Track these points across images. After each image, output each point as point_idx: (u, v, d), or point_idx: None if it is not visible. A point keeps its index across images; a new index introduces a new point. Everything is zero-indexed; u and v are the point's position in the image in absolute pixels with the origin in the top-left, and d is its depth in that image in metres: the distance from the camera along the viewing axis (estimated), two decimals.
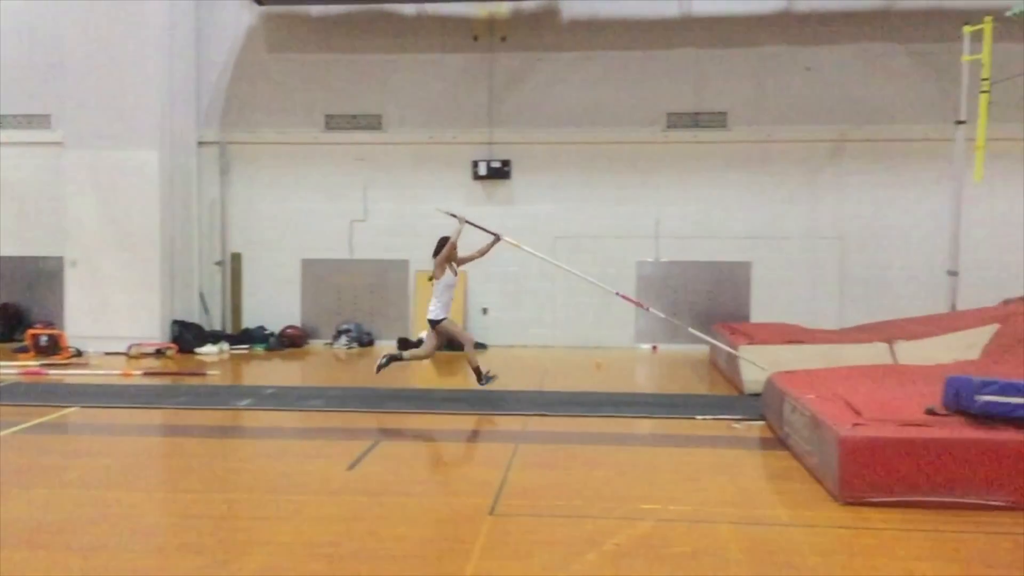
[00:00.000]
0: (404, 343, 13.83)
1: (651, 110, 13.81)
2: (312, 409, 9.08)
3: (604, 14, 13.71)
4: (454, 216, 9.82)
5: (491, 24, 13.91)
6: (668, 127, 13.83)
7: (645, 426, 8.62)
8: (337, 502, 5.90)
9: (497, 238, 9.89)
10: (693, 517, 5.63)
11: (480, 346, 13.80)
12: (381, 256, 14.23)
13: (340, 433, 8.13)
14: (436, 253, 9.63)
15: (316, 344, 14.14)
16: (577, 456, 7.28)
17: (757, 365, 9.57)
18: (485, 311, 14.12)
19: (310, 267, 14.37)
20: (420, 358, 10.03)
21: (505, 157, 13.91)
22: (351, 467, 6.74)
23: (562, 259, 13.85)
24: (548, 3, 13.70)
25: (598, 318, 13.92)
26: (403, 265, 14.24)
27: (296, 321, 14.26)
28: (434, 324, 9.66)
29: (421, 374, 12.34)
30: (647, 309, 10.40)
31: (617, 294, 10.59)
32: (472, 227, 9.79)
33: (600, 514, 5.64)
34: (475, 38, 13.91)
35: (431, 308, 9.70)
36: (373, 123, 14.17)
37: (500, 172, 13.89)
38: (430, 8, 13.87)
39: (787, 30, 13.56)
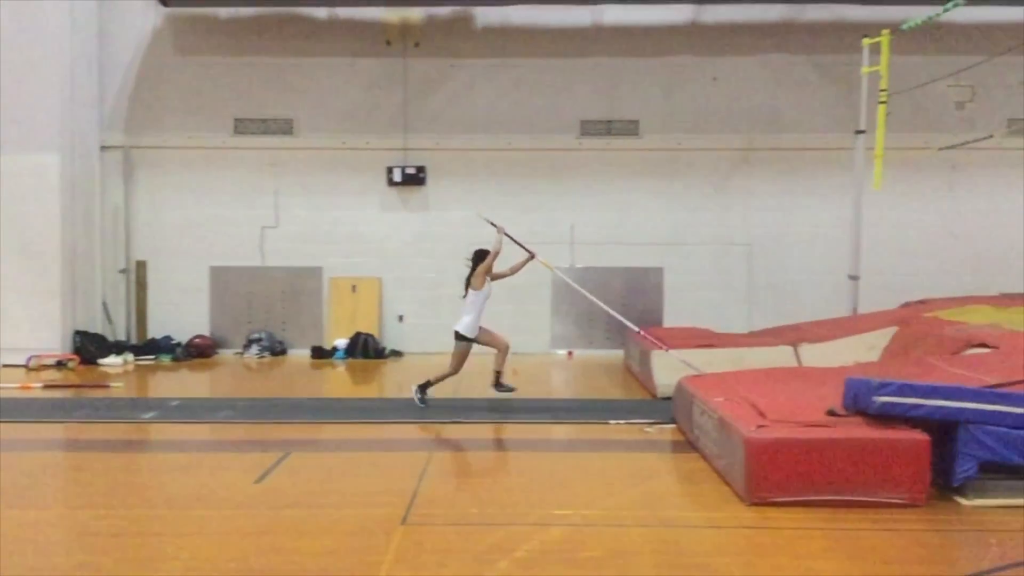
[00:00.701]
0: (319, 352, 13.64)
1: (565, 118, 13.94)
2: (220, 421, 8.86)
3: (517, 22, 13.78)
4: (494, 225, 9.60)
5: (404, 29, 13.84)
6: (582, 135, 13.97)
7: (560, 432, 8.66)
8: (243, 516, 5.76)
9: (531, 256, 9.72)
10: (605, 521, 5.68)
11: (396, 353, 13.72)
12: (294, 263, 14.00)
13: (249, 445, 7.94)
14: (474, 265, 9.38)
15: (226, 354, 13.81)
16: (491, 463, 7.28)
17: (692, 366, 9.70)
18: (401, 318, 14.01)
19: (219, 275, 14.03)
20: (445, 376, 9.57)
21: (420, 163, 13.85)
22: (259, 480, 6.59)
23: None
24: (461, 10, 13.70)
25: (515, 324, 13.88)
26: (317, 272, 14.03)
27: (205, 330, 13.90)
28: (465, 339, 9.34)
29: (335, 383, 12.18)
30: (667, 350, 10.09)
31: (640, 332, 10.35)
32: (512, 241, 9.58)
33: (513, 521, 5.64)
34: (388, 43, 13.82)
35: (464, 321, 9.34)
36: (284, 128, 13.95)
37: (415, 178, 13.82)
38: (342, 12, 13.71)
39: (695, 41, 13.86)
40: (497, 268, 9.51)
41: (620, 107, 13.97)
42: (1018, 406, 6.00)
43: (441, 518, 5.74)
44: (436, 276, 13.94)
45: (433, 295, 13.99)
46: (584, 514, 5.80)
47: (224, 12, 13.83)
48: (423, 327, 13.95)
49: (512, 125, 13.91)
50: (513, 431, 8.43)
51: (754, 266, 13.97)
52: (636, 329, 10.43)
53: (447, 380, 9.54)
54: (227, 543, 5.25)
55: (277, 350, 13.78)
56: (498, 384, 9.52)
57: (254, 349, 13.61)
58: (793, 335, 11.04)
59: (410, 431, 8.45)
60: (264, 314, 14.03)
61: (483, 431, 8.40)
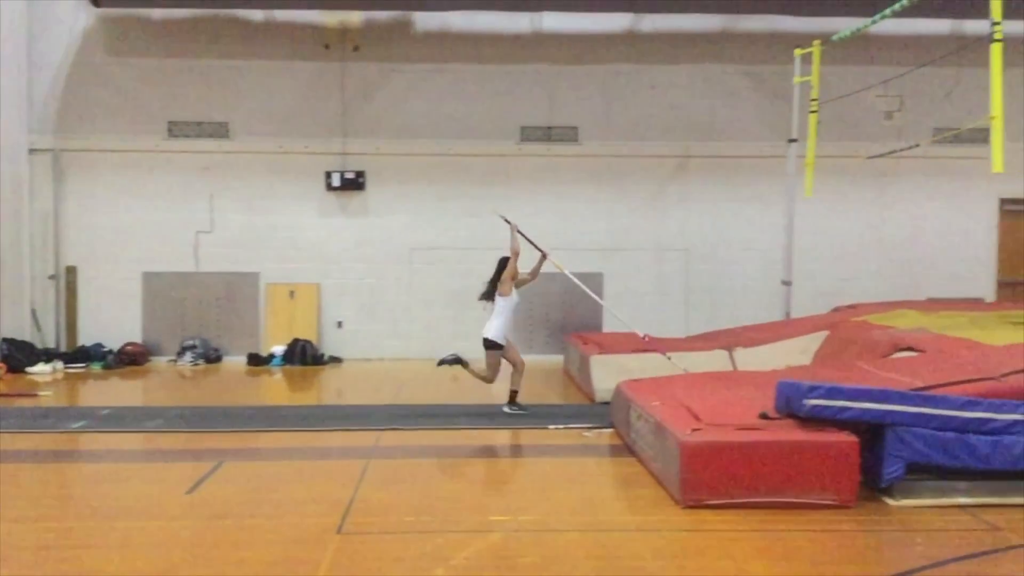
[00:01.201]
0: (255, 359, 13.43)
1: (505, 123, 13.97)
2: (152, 430, 8.67)
3: (457, 27, 13.78)
4: (508, 222, 9.57)
5: (343, 33, 13.73)
6: (522, 140, 14.02)
7: (497, 437, 8.66)
8: (174, 527, 5.65)
9: (544, 256, 9.65)
10: (542, 527, 5.69)
11: (335, 360, 13.58)
12: (229, 269, 13.76)
13: (181, 455, 7.78)
14: (498, 272, 9.31)
15: (159, 361, 13.52)
16: (429, 470, 7.24)
17: (679, 366, 9.83)
18: (340, 324, 13.88)
19: (152, 280, 13.74)
20: (479, 378, 9.52)
21: (359, 168, 13.75)
22: (191, 490, 6.47)
23: (418, 271, 13.90)
24: (401, 14, 13.64)
25: (454, 330, 13.89)
26: (253, 278, 13.82)
27: (137, 337, 13.59)
28: (494, 346, 9.28)
29: (271, 391, 12.01)
30: (668, 357, 9.93)
31: (644, 337, 10.29)
32: (523, 239, 9.52)
33: (450, 528, 5.63)
34: (327, 47, 13.69)
35: (492, 326, 9.28)
36: (219, 131, 13.72)
37: (354, 183, 13.71)
38: (279, 15, 13.55)
39: (633, 49, 14.01)
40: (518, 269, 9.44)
41: (560, 113, 14.05)
42: (942, 408, 6.18)
43: (377, 526, 5.70)
44: (376, 282, 13.85)
45: (372, 301, 13.90)
46: (521, 519, 5.82)
47: (158, 13, 13.56)
48: (362, 333, 13.85)
49: (452, 130, 13.89)
50: (452, 437, 8.40)
51: (691, 271, 14.16)
52: (642, 335, 10.34)
53: (479, 383, 9.53)
54: (158, 555, 5.14)
55: (212, 357, 13.53)
56: (512, 403, 9.40)
57: (188, 356, 13.35)
58: (728, 339, 11.22)
59: (348, 438, 8.37)
60: (198, 321, 13.76)
61: (422, 437, 8.36)
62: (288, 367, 13.17)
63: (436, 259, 13.89)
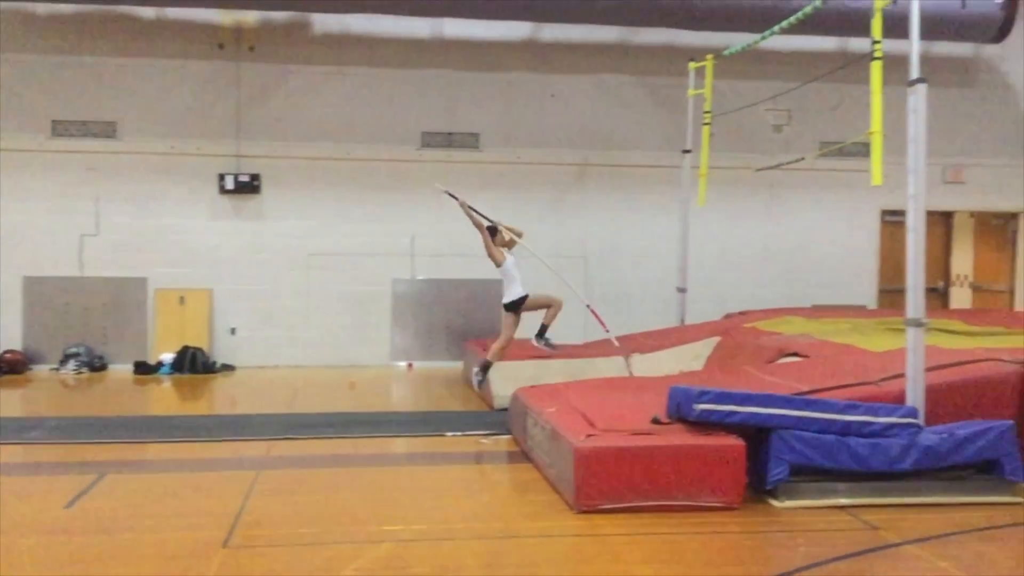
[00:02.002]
0: (143, 367, 12.96)
1: (405, 128, 13.87)
2: (30, 442, 8.26)
3: (356, 30, 13.61)
4: (454, 197, 9.85)
5: (238, 33, 13.40)
6: (423, 146, 13.94)
7: (394, 445, 8.57)
8: (51, 543, 5.38)
9: (493, 225, 9.93)
10: (436, 535, 5.65)
11: (227, 368, 13.21)
12: (116, 273, 13.23)
13: (61, 467, 7.44)
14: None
15: (40, 370, 12.89)
16: (322, 480, 7.10)
17: (630, 372, 9.92)
18: (233, 331, 13.50)
19: (33, 285, 13.09)
20: (504, 348, 9.86)
21: (254, 171, 13.42)
22: (69, 504, 6.18)
23: (316, 277, 13.65)
24: (298, 15, 13.39)
25: (353, 336, 13.74)
26: (141, 283, 13.31)
27: (17, 345, 12.93)
28: (515, 307, 9.79)
29: (159, 400, 11.61)
30: (607, 331, 10.35)
31: (588, 306, 10.63)
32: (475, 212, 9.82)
33: (341, 539, 5.53)
34: (221, 46, 13.34)
35: (509, 293, 9.81)
36: (107, 131, 13.19)
37: (249, 187, 13.38)
38: (171, 12, 13.12)
39: (534, 57, 14.11)
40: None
41: (461, 120, 14.03)
42: (824, 412, 6.41)
43: (265, 539, 5.55)
44: (271, 287, 13.54)
45: (268, 307, 13.57)
46: (415, 529, 5.76)
47: (42, 8, 12.95)
48: (257, 340, 13.51)
49: (352, 134, 13.72)
50: (347, 446, 8.27)
51: (590, 278, 14.32)
52: (614, 341, 10.49)
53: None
54: (32, 573, 4.88)
55: (96, 365, 12.97)
56: (542, 337, 9.97)
57: (71, 364, 12.77)
58: (624, 346, 11.38)
59: (238, 449, 8.13)
60: (83, 327, 13.17)
61: (316, 447, 8.20)
62: (177, 375, 12.74)
63: (335, 265, 13.67)
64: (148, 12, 13.10)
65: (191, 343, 13.08)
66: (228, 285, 13.51)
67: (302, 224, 13.64)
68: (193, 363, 12.86)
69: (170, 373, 12.80)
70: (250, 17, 13.31)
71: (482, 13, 12.89)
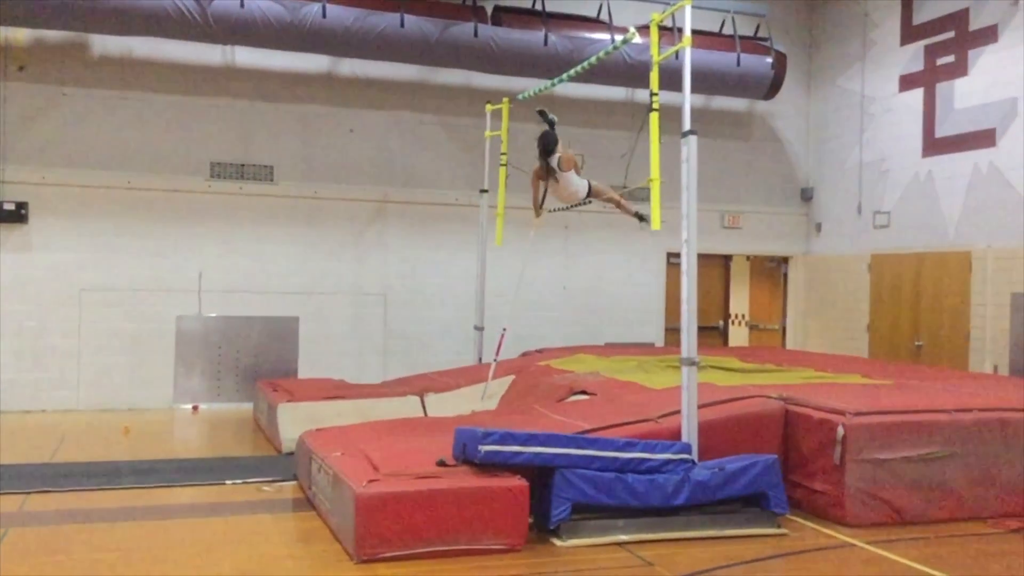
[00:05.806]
0: None
1: (193, 158, 13.22)
2: None
3: (140, 53, 12.88)
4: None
5: (5, 51, 12.35)
6: (212, 177, 13.33)
7: (169, 496, 7.96)
8: None
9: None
10: None
11: None
12: None
13: None
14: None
15: None
16: (81, 537, 6.49)
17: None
18: None
19: None
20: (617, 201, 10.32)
21: (21, 199, 12.34)
22: None
23: (90, 315, 12.68)
24: (75, 35, 12.51)
25: (132, 377, 12.83)
26: None
27: None
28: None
29: None
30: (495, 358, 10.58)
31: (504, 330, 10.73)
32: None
33: None
34: None
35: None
36: None
37: (15, 215, 12.27)
38: None
39: (332, 91, 13.88)
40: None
41: (254, 151, 13.55)
42: (604, 450, 6.53)
43: None
44: (38, 324, 12.42)
45: (35, 345, 12.43)
46: None
47: None
48: (21, 383, 12.32)
49: (134, 162, 12.92)
50: (113, 498, 7.61)
51: (389, 316, 14.15)
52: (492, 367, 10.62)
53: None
54: None
55: None
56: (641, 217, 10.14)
57: None
58: (421, 384, 11.28)
59: None
60: None
61: (78, 500, 7.50)
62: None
63: (112, 301, 12.75)
64: None
65: None
66: None
67: (74, 257, 12.64)
68: None
69: None
70: (20, 34, 12.31)
71: (276, 43, 12.53)
